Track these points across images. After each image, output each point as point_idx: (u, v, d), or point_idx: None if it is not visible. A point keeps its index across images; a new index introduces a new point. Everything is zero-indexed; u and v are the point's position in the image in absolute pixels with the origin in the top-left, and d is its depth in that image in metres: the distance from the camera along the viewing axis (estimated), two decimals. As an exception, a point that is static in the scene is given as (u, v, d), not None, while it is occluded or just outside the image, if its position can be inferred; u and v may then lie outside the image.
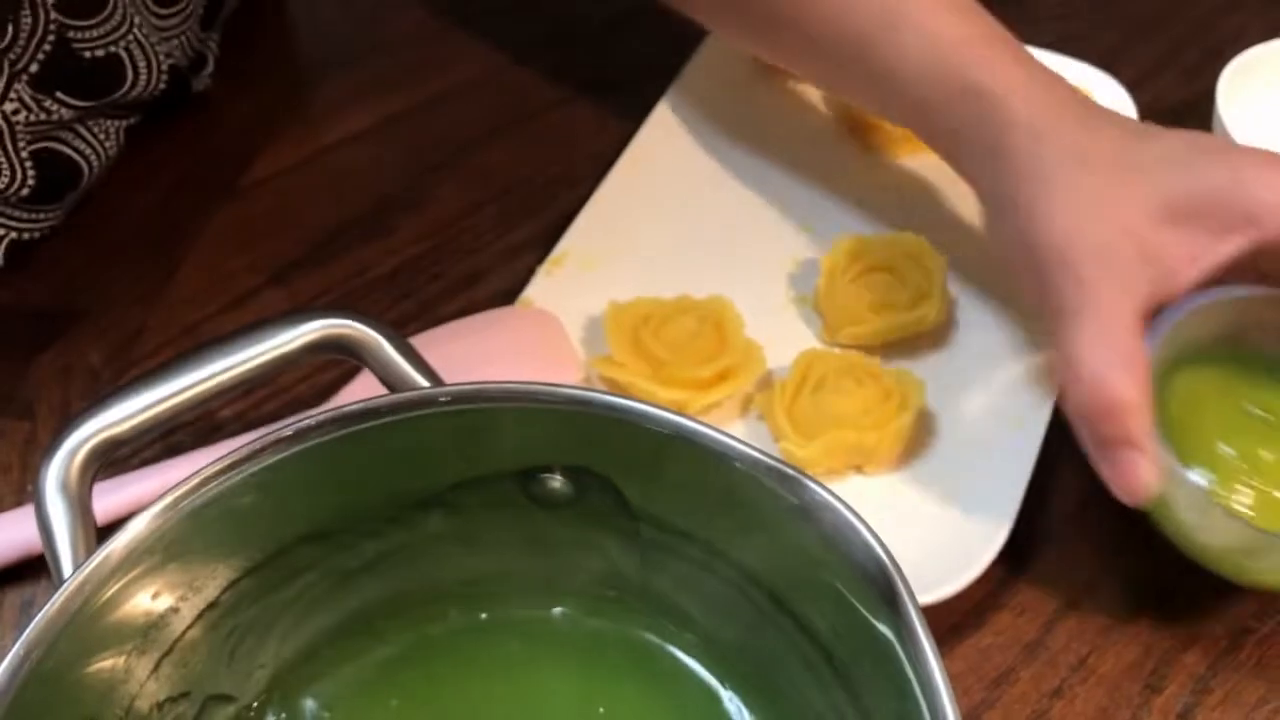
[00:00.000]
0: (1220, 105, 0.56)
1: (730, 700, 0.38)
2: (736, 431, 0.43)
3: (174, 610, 0.34)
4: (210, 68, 0.63)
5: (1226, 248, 0.42)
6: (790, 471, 0.32)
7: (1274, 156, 0.43)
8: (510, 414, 0.35)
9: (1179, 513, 0.42)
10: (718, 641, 0.38)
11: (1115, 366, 0.40)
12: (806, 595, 0.34)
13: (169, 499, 0.32)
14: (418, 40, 0.69)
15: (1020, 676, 0.44)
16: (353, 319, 0.38)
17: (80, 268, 0.57)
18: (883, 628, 0.31)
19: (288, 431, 0.33)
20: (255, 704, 0.37)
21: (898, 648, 0.30)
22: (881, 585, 0.30)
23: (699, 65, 0.63)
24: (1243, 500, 0.42)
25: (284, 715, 0.38)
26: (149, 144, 0.61)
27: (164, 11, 0.57)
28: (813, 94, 0.64)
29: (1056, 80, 0.48)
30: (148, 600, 0.33)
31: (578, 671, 0.38)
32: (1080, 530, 0.48)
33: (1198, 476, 0.42)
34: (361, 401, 0.34)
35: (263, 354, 0.37)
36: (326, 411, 0.34)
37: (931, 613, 0.44)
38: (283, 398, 0.52)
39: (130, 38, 0.54)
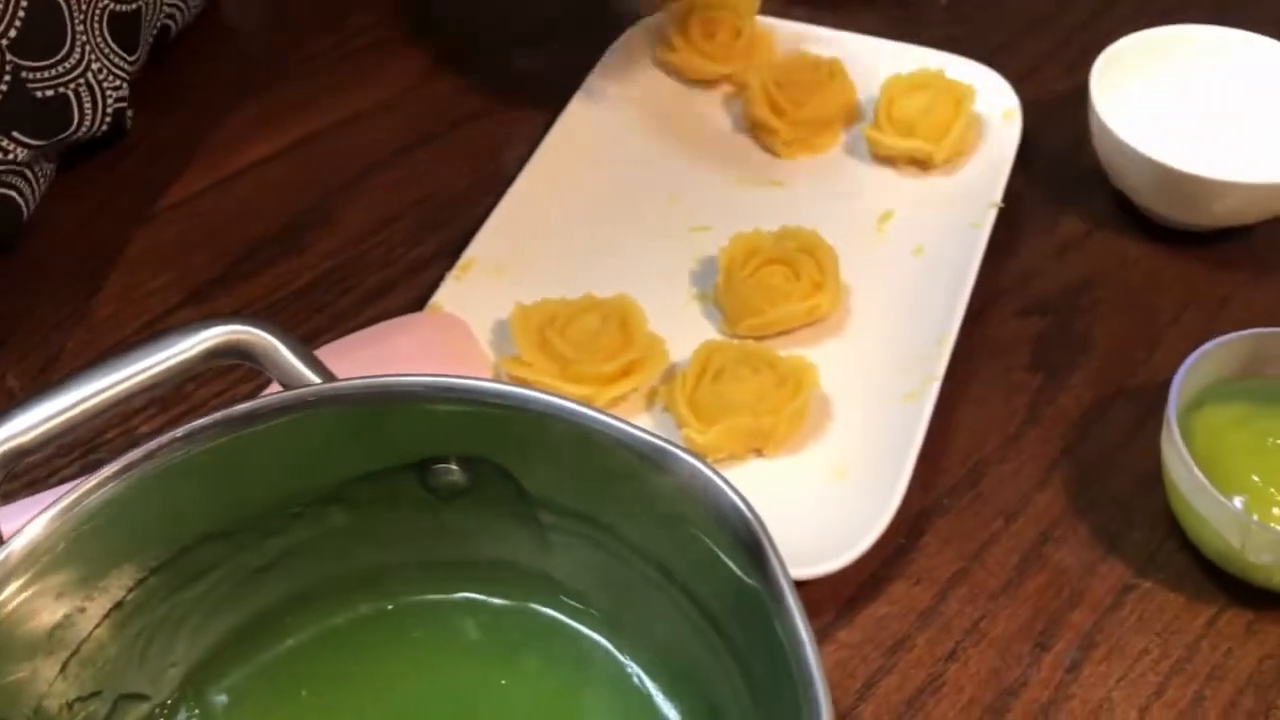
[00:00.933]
0: (1094, 94, 0.58)
1: (634, 672, 0.39)
2: (643, 423, 0.45)
3: (79, 610, 0.35)
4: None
5: None
6: (660, 443, 0.34)
7: None
8: (401, 408, 0.36)
9: (1220, 533, 0.44)
10: (618, 617, 0.40)
11: None
12: (690, 564, 0.36)
13: (65, 501, 0.34)
14: (325, 65, 0.70)
15: (916, 643, 0.46)
16: (249, 324, 0.39)
17: (-2, 295, 0.58)
18: (753, 584, 0.32)
19: (179, 433, 0.35)
20: (168, 702, 0.38)
21: (768, 605, 0.32)
22: (748, 541, 0.32)
23: (601, 74, 0.65)
24: (1276, 518, 0.45)
25: (197, 712, 0.39)
26: (66, 173, 0.62)
27: (130, 58, 0.59)
28: (711, 101, 0.66)
29: None
30: (51, 600, 0.34)
31: (481, 651, 0.40)
32: (972, 501, 0.50)
33: (1231, 501, 0.45)
34: (249, 402, 0.36)
35: (164, 361, 0.38)
36: (217, 413, 0.35)
37: (829, 584, 0.47)
38: (200, 412, 0.53)
39: (81, 81, 0.56)
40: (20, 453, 0.37)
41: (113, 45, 0.58)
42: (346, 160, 0.64)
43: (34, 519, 0.33)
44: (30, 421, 0.37)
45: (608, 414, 0.35)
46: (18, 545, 0.33)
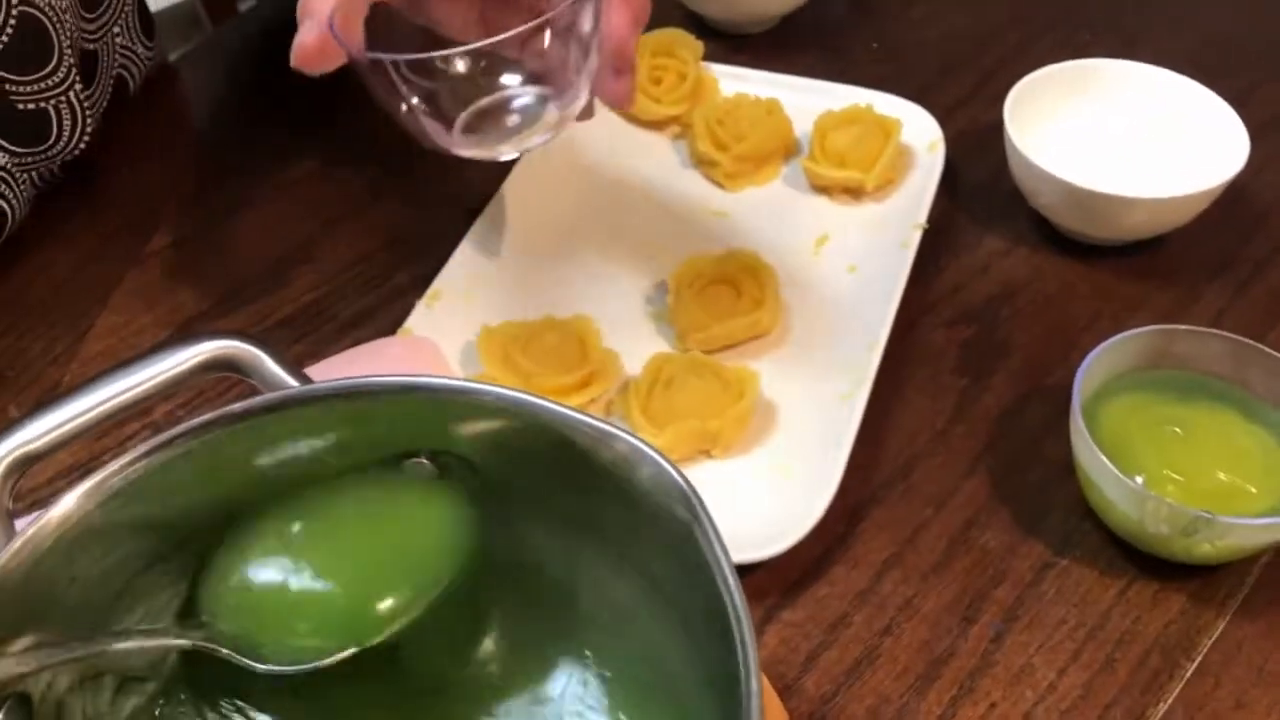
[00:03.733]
0: (1008, 122, 0.64)
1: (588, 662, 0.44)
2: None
3: (87, 597, 0.39)
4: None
5: None
6: (603, 425, 0.38)
7: None
8: (372, 404, 0.41)
9: (1124, 510, 0.49)
10: (579, 602, 0.44)
11: None
12: (642, 541, 0.40)
13: (82, 490, 0.38)
14: (305, 110, 0.75)
15: (854, 620, 0.51)
16: (237, 339, 0.43)
17: (-3, 336, 0.62)
18: (686, 526, 0.36)
19: (176, 431, 0.39)
20: (169, 688, 0.42)
21: (700, 543, 0.36)
22: (679, 495, 0.36)
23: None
24: (1171, 494, 0.49)
25: (192, 695, 0.43)
26: (60, 222, 0.67)
27: (87, 91, 0.64)
28: (661, 140, 0.71)
29: None
30: (66, 584, 0.38)
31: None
32: (905, 491, 0.55)
33: (1132, 480, 0.49)
34: (244, 402, 0.40)
35: (161, 373, 0.42)
36: (212, 414, 0.40)
37: (775, 570, 0.51)
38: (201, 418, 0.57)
39: (63, 98, 0.61)
40: (31, 458, 0.41)
41: (78, 74, 0.62)
42: (327, 201, 0.69)
43: (51, 505, 0.37)
44: (39, 430, 0.41)
45: (560, 404, 0.39)
46: (38, 528, 0.37)
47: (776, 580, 0.51)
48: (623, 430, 0.38)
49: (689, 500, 0.35)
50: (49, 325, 0.63)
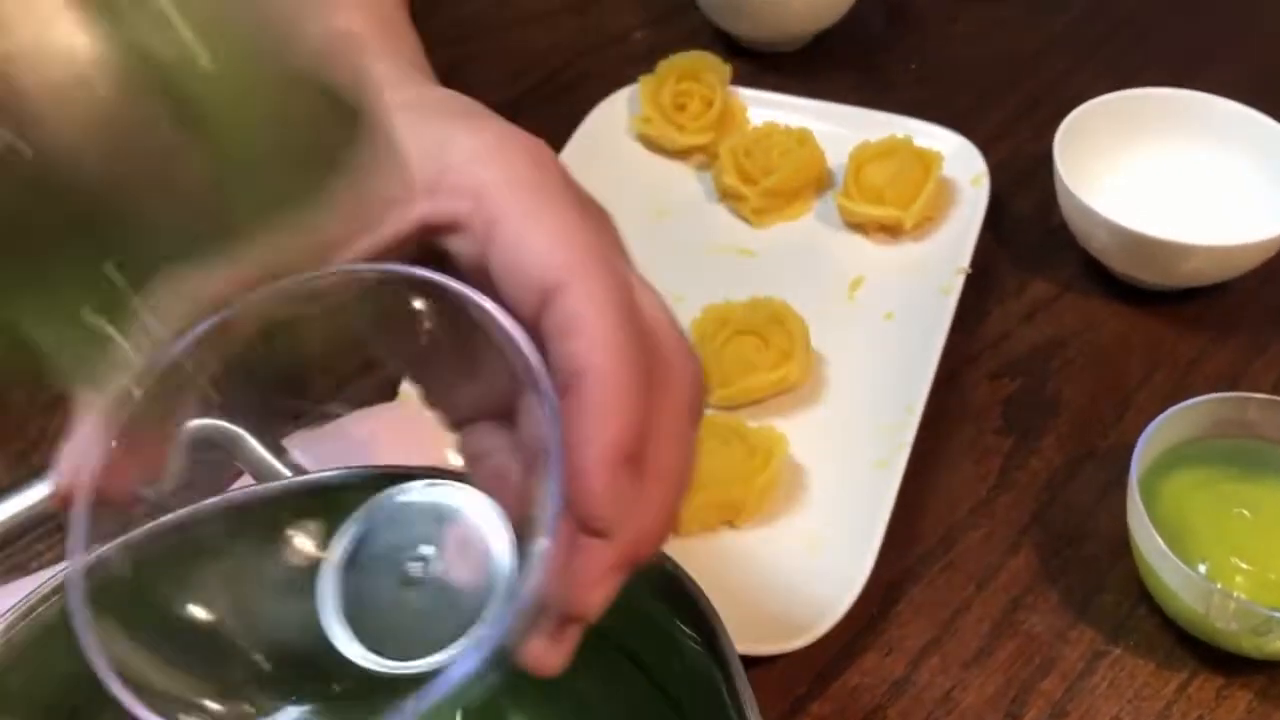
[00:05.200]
0: (1058, 161, 0.59)
1: None
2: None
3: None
4: None
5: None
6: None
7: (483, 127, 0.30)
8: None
9: (1187, 602, 0.45)
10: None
11: None
12: (651, 646, 0.36)
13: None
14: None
15: (889, 714, 0.47)
16: (222, 419, 0.40)
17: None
18: (708, 668, 0.33)
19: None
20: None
21: (723, 689, 0.32)
22: (703, 631, 0.33)
23: (576, 146, 0.66)
24: (1240, 585, 0.45)
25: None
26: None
27: None
28: (684, 170, 0.67)
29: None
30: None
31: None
32: (945, 568, 0.51)
33: (1195, 570, 0.45)
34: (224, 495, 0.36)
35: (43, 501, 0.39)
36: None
37: (801, 656, 0.47)
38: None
39: None
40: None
41: None
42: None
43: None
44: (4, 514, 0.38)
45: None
46: None
47: (804, 668, 0.47)
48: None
49: (714, 638, 0.31)
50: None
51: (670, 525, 0.28)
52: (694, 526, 0.50)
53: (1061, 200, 0.60)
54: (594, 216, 0.29)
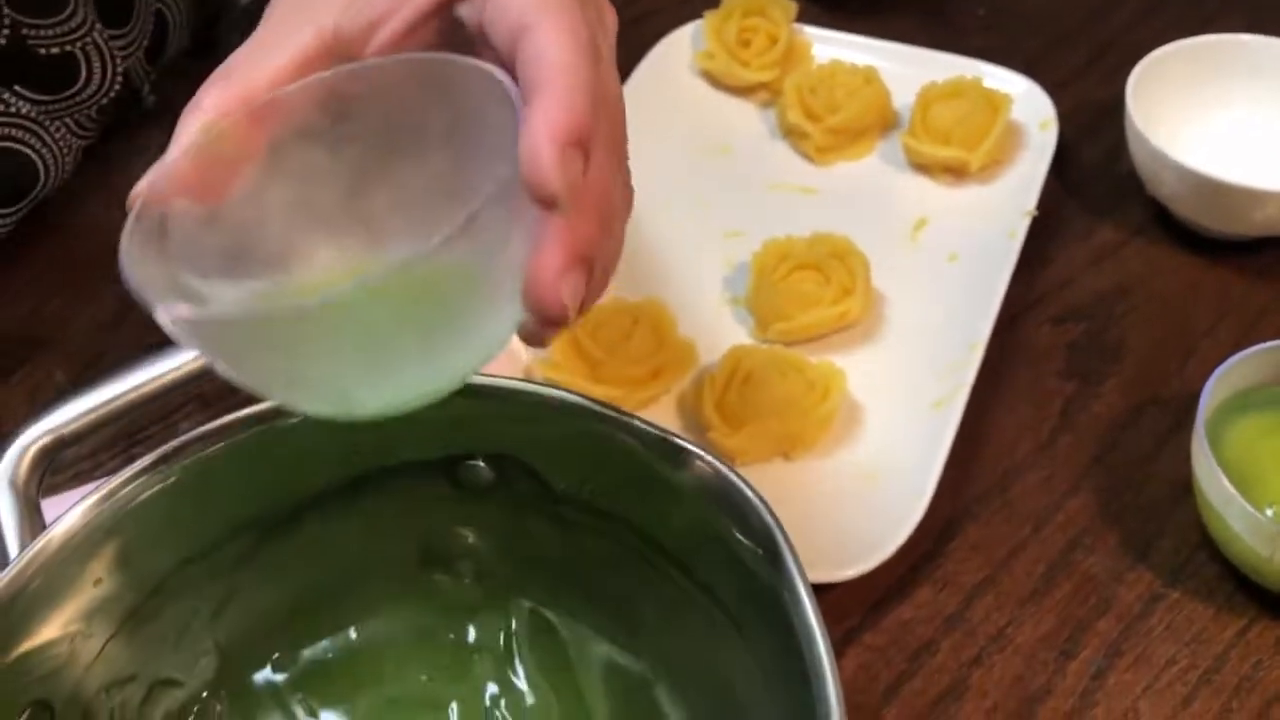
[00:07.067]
0: (1130, 103, 0.58)
1: (640, 669, 0.40)
2: (672, 425, 0.45)
3: (116, 597, 0.36)
4: (148, 89, 0.65)
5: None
6: (682, 444, 0.34)
7: None
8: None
9: (1250, 545, 0.44)
10: (634, 614, 0.40)
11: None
12: (711, 563, 0.36)
13: (103, 491, 0.35)
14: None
15: (940, 647, 0.46)
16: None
17: (43, 301, 0.59)
18: (771, 583, 0.32)
19: (211, 428, 0.36)
20: (204, 694, 0.39)
21: (786, 603, 0.32)
22: (765, 541, 0.32)
23: (639, 81, 0.66)
24: None
25: (229, 701, 0.40)
26: (104, 180, 0.64)
27: (113, 32, 0.60)
28: (747, 107, 0.66)
29: None
30: (90, 585, 0.35)
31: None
32: (1000, 507, 0.50)
33: (1262, 513, 0.44)
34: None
35: (190, 361, 0.39)
36: (247, 411, 0.36)
37: (855, 588, 0.47)
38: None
39: (89, 40, 0.57)
40: (61, 443, 0.38)
41: (99, 22, 0.58)
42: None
43: (73, 507, 0.34)
44: (68, 416, 0.38)
45: (630, 414, 0.35)
46: (56, 532, 0.34)
47: (857, 599, 0.47)
48: (705, 452, 0.34)
49: (778, 552, 0.31)
50: (96, 289, 0.60)
51: (609, 245, 0.32)
52: (750, 456, 0.50)
53: (1132, 145, 0.59)
54: None
